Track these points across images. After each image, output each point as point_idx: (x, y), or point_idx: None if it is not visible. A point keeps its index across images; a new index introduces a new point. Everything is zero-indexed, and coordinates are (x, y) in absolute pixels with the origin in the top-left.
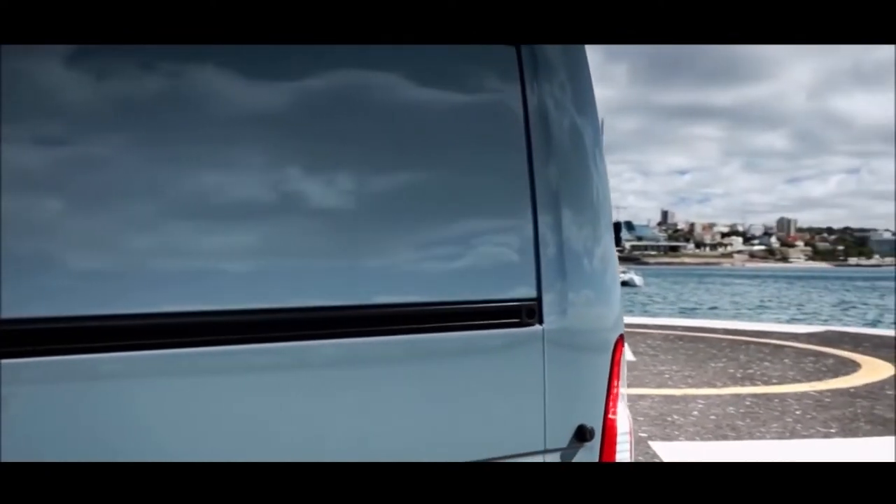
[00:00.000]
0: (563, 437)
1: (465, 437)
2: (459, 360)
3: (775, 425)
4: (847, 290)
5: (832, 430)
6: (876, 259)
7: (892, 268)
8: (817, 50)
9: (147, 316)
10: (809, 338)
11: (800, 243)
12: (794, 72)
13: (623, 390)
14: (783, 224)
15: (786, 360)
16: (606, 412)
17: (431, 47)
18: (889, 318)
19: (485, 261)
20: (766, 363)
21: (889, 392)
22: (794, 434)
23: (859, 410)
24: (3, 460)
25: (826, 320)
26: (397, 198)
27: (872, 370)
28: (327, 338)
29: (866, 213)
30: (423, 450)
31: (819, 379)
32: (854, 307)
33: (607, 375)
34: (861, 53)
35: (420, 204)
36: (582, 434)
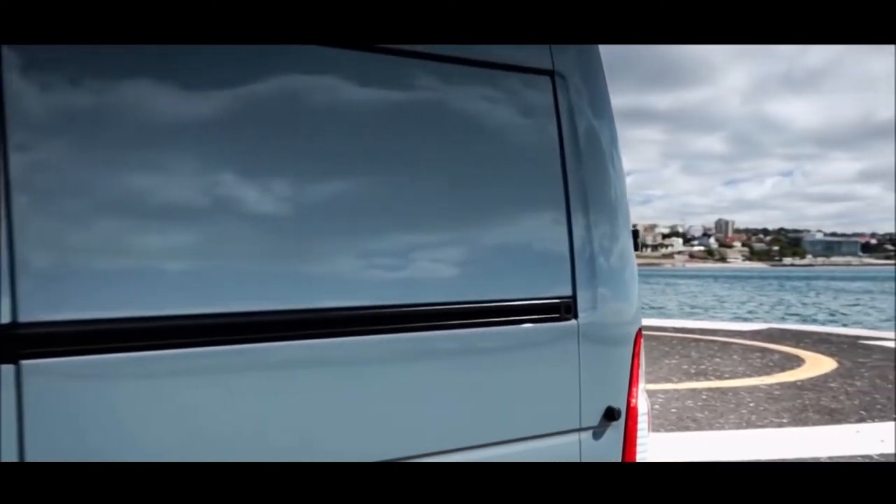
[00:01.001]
0: (595, 417)
1: (512, 418)
2: (508, 352)
3: (732, 417)
4: (784, 290)
5: (784, 421)
6: (809, 259)
7: (824, 267)
8: (752, 55)
9: (190, 317)
10: (754, 335)
11: (737, 244)
12: (730, 77)
13: (642, 376)
14: (721, 225)
15: (734, 357)
16: (630, 395)
17: (476, 66)
18: (823, 315)
19: (529, 263)
20: (717, 359)
21: (832, 385)
22: (750, 424)
23: (807, 402)
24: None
25: (767, 318)
26: (455, 210)
27: (815, 365)
28: (398, 332)
29: (800, 215)
30: (478, 429)
31: (767, 373)
32: (792, 305)
33: (630, 364)
34: (794, 59)
35: (474, 215)
36: (610, 414)
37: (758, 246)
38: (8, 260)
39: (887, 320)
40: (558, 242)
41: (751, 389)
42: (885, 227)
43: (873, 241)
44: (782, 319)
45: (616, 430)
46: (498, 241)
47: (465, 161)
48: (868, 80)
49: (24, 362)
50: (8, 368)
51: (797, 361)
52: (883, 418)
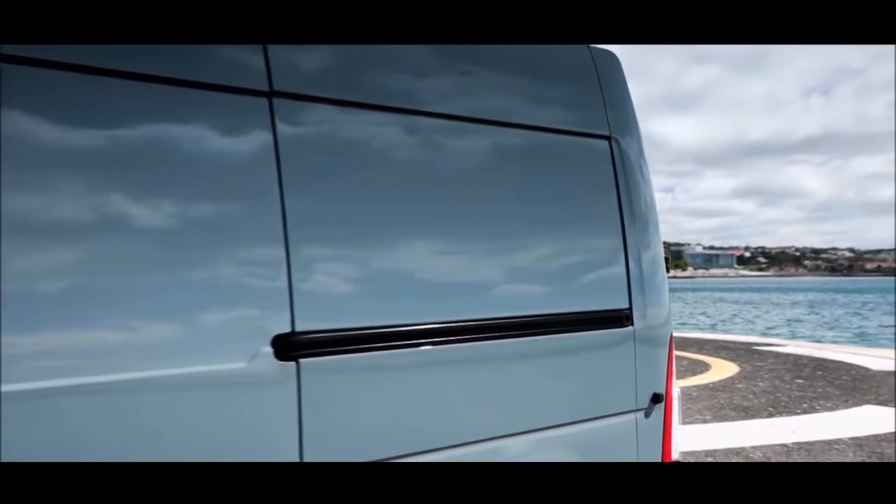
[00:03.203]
0: (646, 401)
1: (590, 402)
2: (587, 351)
3: None
4: (673, 300)
5: (707, 418)
6: (690, 271)
7: (704, 279)
8: (636, 75)
9: (408, 325)
10: None
11: None
12: None
13: (674, 369)
14: None
15: None
16: (668, 384)
17: (550, 132)
18: (708, 322)
19: (599, 283)
20: None
21: (739, 386)
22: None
23: (722, 401)
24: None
25: None
26: (546, 246)
27: (721, 369)
28: (506, 338)
29: (681, 229)
30: (566, 410)
31: (681, 377)
32: (685, 314)
33: (667, 360)
34: (674, 80)
35: (560, 249)
36: (656, 398)
37: None
38: (287, 286)
39: (772, 328)
40: (618, 265)
41: None
42: (757, 241)
43: (747, 254)
44: (680, 328)
45: (659, 410)
46: (577, 267)
47: (551, 207)
48: (741, 102)
49: (301, 360)
50: (290, 365)
51: (704, 366)
52: (789, 413)
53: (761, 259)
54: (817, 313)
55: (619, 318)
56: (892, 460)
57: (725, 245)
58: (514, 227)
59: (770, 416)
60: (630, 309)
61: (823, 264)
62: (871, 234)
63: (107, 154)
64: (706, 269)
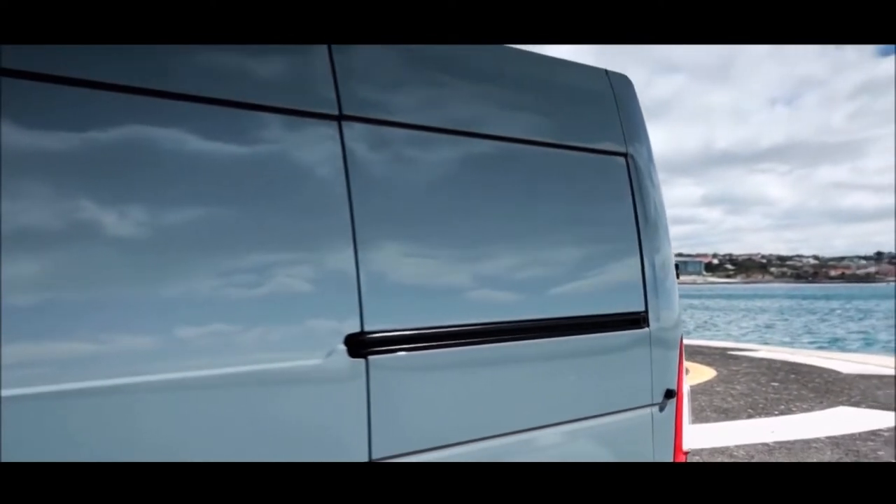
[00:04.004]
0: (660, 396)
1: (611, 397)
2: (607, 352)
3: None
4: None
5: (690, 419)
6: None
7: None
8: None
9: (463, 325)
10: None
11: None
12: None
13: (683, 367)
14: None
15: None
16: (679, 381)
17: (576, 150)
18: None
19: (618, 289)
20: None
21: (718, 389)
22: None
23: (703, 403)
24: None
25: None
26: (573, 257)
27: (698, 373)
28: (541, 338)
29: None
30: (589, 405)
31: None
32: None
33: (677, 359)
34: (643, 90)
35: (585, 259)
36: (669, 394)
37: None
38: (357, 291)
39: (744, 333)
40: (635, 271)
41: None
42: (725, 249)
43: (715, 261)
44: None
45: (671, 405)
46: (601, 274)
47: (577, 221)
48: (707, 112)
49: (369, 357)
50: (360, 361)
51: None
52: (767, 414)
53: (729, 266)
54: (786, 319)
55: (637, 321)
56: (873, 459)
57: (694, 252)
58: (547, 239)
59: (749, 417)
60: (646, 311)
61: (789, 271)
62: (835, 242)
63: (206, 173)
64: (677, 276)
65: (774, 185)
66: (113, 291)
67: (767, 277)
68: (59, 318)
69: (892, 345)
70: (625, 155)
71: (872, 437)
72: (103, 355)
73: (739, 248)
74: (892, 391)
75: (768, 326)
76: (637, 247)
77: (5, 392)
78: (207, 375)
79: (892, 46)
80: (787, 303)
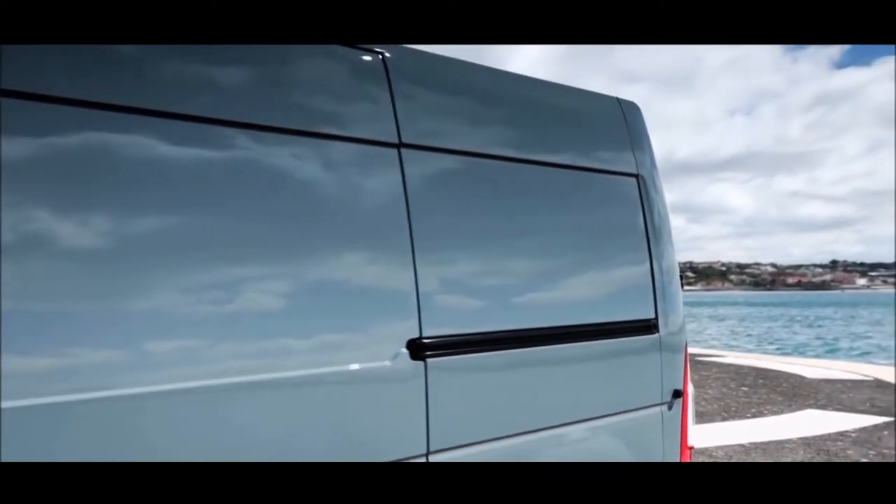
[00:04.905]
0: (669, 396)
1: (627, 396)
2: (625, 355)
3: None
4: None
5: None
6: None
7: None
8: None
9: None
10: None
11: None
12: None
13: (688, 372)
14: None
15: None
16: (685, 382)
17: (592, 171)
18: None
19: (632, 297)
20: None
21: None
22: None
23: None
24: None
25: None
26: (590, 269)
27: None
28: (570, 342)
29: None
30: (610, 403)
31: None
32: None
33: (683, 362)
34: None
35: (602, 271)
36: (677, 394)
37: None
38: (416, 301)
39: (707, 339)
40: (647, 281)
41: None
42: (686, 256)
43: None
44: None
45: (678, 404)
46: (621, 284)
47: (598, 238)
48: (669, 121)
49: (427, 359)
50: (418, 363)
51: None
52: (740, 417)
53: (689, 274)
54: (749, 325)
55: (649, 327)
56: (843, 458)
57: None
58: (573, 254)
59: (724, 420)
60: (656, 318)
61: (748, 279)
62: (792, 251)
63: (290, 195)
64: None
65: (734, 194)
66: (216, 299)
67: (727, 285)
68: (153, 322)
69: (852, 351)
70: (636, 176)
71: (841, 438)
72: (209, 356)
73: (700, 257)
74: (855, 395)
75: (732, 332)
76: (648, 259)
77: (55, 398)
78: (293, 376)
79: (847, 59)
80: (747, 310)
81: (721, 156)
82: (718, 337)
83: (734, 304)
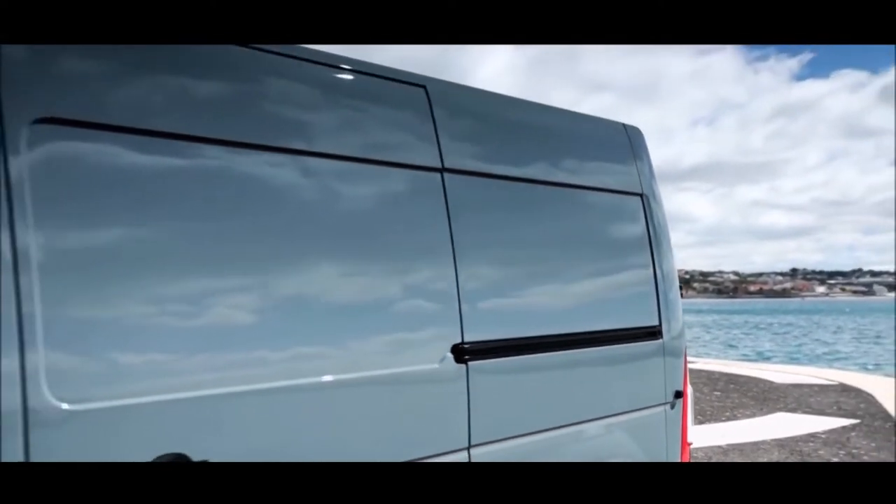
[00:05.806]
0: (671, 396)
1: (634, 396)
2: (634, 359)
3: None
4: None
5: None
6: None
7: None
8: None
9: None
10: None
11: None
12: None
13: (687, 374)
14: None
15: None
16: (685, 384)
17: (599, 190)
18: None
19: (638, 305)
20: None
21: None
22: None
23: None
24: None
25: None
26: (599, 278)
27: None
28: (588, 346)
29: None
30: (621, 403)
31: None
32: None
33: (683, 365)
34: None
35: (610, 282)
36: (678, 395)
37: None
38: (458, 310)
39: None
40: (651, 289)
41: None
42: None
43: None
44: None
45: (679, 404)
46: (630, 292)
47: (609, 252)
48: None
49: (469, 363)
50: (461, 366)
51: None
52: (716, 420)
53: None
54: (716, 333)
55: (654, 333)
56: (815, 458)
57: None
58: (591, 266)
59: (700, 423)
60: (660, 324)
61: (711, 286)
62: (754, 258)
63: (345, 216)
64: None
65: (697, 203)
66: (299, 307)
67: (690, 293)
68: (229, 327)
69: (815, 356)
70: (640, 195)
71: (812, 439)
72: (284, 359)
73: None
74: (822, 398)
75: (697, 338)
76: (652, 271)
77: (192, 393)
78: (349, 378)
79: (806, 71)
80: (711, 317)
81: (684, 165)
82: (688, 344)
83: (698, 311)
